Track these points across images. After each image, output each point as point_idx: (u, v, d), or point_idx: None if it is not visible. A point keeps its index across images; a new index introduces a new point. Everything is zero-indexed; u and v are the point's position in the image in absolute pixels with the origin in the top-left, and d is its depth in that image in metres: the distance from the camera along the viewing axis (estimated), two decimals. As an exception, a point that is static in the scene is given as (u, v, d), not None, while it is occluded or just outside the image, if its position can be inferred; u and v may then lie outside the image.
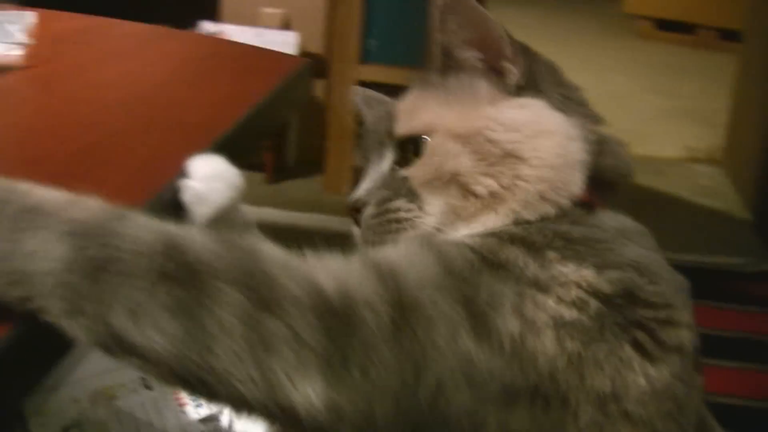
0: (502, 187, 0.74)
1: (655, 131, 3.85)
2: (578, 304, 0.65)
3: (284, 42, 2.94)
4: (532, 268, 0.66)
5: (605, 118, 0.82)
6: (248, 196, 0.98)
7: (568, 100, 0.80)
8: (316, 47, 3.02)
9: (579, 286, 0.66)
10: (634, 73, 4.85)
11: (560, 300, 0.65)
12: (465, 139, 0.76)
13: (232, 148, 0.91)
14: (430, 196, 0.76)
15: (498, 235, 0.70)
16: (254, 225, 0.81)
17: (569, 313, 0.64)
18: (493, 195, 0.74)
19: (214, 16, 3.07)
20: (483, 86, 0.79)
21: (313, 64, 3.00)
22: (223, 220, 0.77)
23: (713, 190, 3.31)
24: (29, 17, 1.16)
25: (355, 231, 0.79)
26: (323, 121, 2.95)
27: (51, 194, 0.59)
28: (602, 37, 5.62)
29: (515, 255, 0.67)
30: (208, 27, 2.98)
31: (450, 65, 0.80)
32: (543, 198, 0.74)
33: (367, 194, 0.80)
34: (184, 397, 1.33)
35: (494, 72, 0.79)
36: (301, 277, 0.60)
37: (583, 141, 0.76)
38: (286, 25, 3.03)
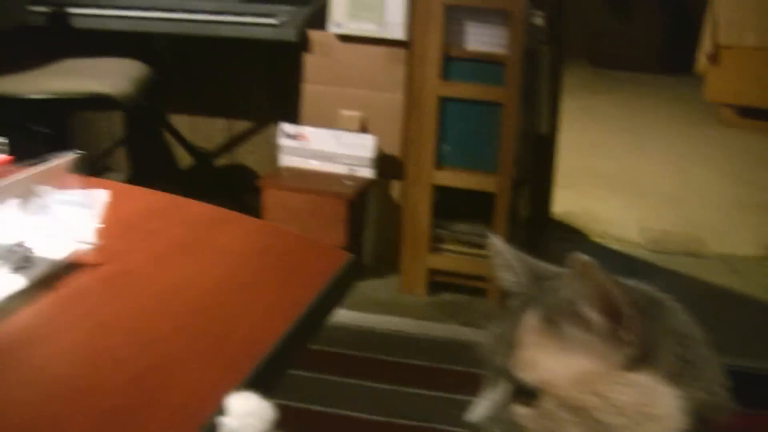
0: None
1: (731, 225, 3.77)
2: None
3: (362, 144, 3.03)
4: None
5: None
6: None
7: (686, 363, 0.83)
8: (393, 149, 3.10)
9: None
10: (714, 161, 4.78)
11: None
12: (575, 411, 0.81)
13: (273, 366, 1.00)
14: None
15: None
16: None
17: None
18: None
19: (295, 117, 3.19)
20: (601, 351, 0.83)
21: (390, 167, 3.08)
22: None
23: (793, 291, 3.19)
24: (101, 198, 1.16)
25: None
26: (399, 222, 3.02)
27: None
28: (684, 124, 5.56)
29: None
30: (288, 129, 3.10)
31: (575, 322, 0.84)
32: None
33: (482, 422, 0.86)
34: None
35: (614, 338, 0.82)
36: None
37: (689, 414, 0.81)
38: (363, 128, 3.12)
